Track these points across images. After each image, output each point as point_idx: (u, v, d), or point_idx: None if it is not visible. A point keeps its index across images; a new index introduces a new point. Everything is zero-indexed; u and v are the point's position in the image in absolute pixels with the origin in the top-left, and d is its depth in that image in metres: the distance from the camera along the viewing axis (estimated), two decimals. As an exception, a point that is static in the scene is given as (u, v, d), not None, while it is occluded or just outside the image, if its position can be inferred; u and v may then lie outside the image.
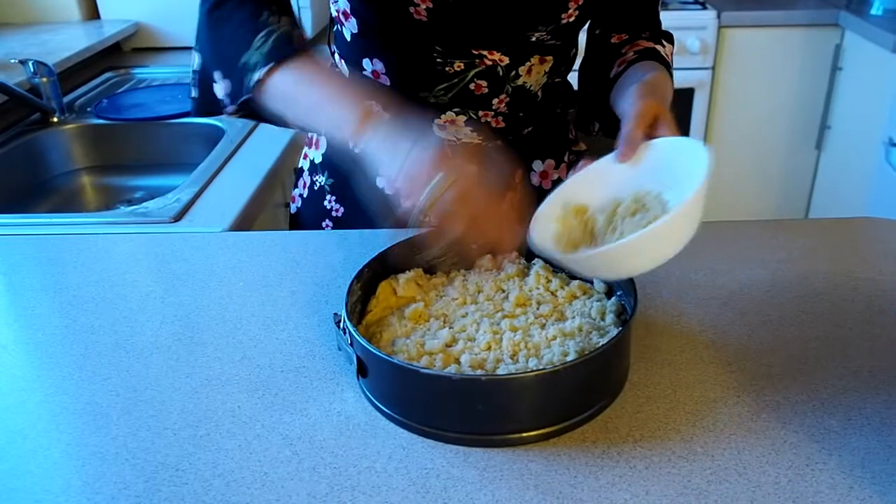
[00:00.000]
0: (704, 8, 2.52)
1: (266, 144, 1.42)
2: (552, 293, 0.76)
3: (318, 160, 1.01)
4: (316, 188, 1.02)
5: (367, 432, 0.64)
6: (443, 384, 0.61)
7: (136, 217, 1.14)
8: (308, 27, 1.96)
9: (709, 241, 0.93)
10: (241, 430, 0.65)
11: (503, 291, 0.76)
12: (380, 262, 0.77)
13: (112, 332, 0.79)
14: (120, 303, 0.84)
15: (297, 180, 1.07)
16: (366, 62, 0.90)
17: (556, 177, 1.00)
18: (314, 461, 0.61)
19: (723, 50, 2.54)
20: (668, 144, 0.71)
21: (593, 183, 0.74)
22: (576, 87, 1.03)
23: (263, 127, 1.47)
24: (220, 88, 0.78)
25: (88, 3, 2.15)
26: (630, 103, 0.75)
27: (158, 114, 1.63)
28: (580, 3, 0.84)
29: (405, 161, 0.66)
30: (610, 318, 0.71)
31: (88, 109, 1.69)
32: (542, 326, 0.71)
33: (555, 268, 0.78)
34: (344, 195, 0.99)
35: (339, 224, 1.01)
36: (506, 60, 0.88)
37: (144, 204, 1.18)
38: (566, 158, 1.02)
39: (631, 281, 0.70)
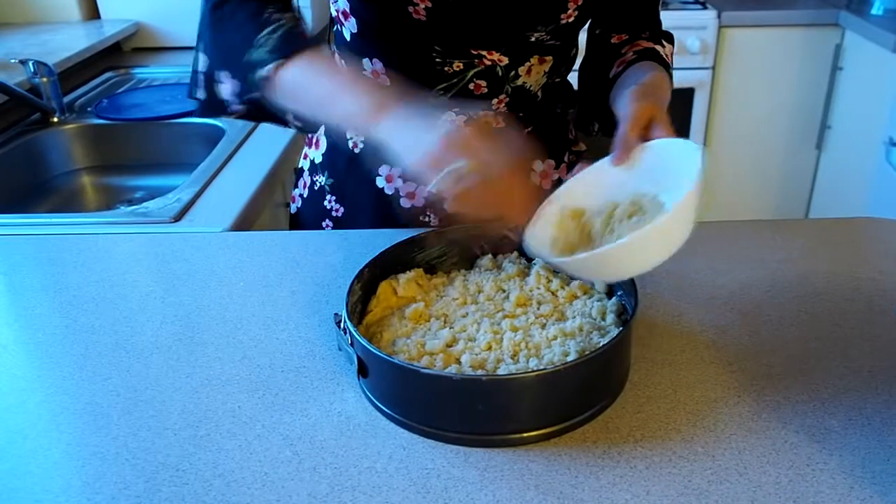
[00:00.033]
0: (705, 8, 2.52)
1: (266, 144, 1.42)
2: (553, 293, 0.76)
3: (318, 160, 1.01)
4: (316, 188, 1.02)
5: (368, 432, 0.64)
6: (443, 384, 0.61)
7: (137, 217, 1.14)
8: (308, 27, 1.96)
9: (709, 241, 0.94)
10: (242, 431, 0.65)
11: (504, 291, 0.76)
12: (380, 262, 0.77)
13: (112, 332, 0.79)
14: (120, 303, 0.84)
15: (298, 180, 1.07)
16: (365, 62, 0.90)
17: (556, 177, 1.00)
18: (315, 461, 0.61)
19: (723, 50, 2.54)
20: (663, 146, 0.71)
21: (590, 186, 0.74)
22: (576, 87, 1.03)
23: (263, 127, 1.47)
24: (227, 88, 0.78)
25: (88, 3, 2.15)
26: (625, 106, 0.75)
27: (159, 114, 1.63)
28: (579, 3, 0.84)
29: (424, 143, 0.65)
30: (610, 318, 0.71)
31: (89, 109, 1.69)
32: (543, 326, 0.71)
33: (555, 268, 0.78)
34: (344, 195, 0.99)
35: (339, 224, 1.01)
36: (505, 60, 0.88)
37: (145, 204, 1.18)
38: (566, 158, 1.02)
39: (631, 281, 0.70)
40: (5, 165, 1.49)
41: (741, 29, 2.51)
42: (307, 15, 1.98)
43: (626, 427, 0.64)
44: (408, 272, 0.78)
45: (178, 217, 1.14)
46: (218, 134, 1.49)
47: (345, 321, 0.67)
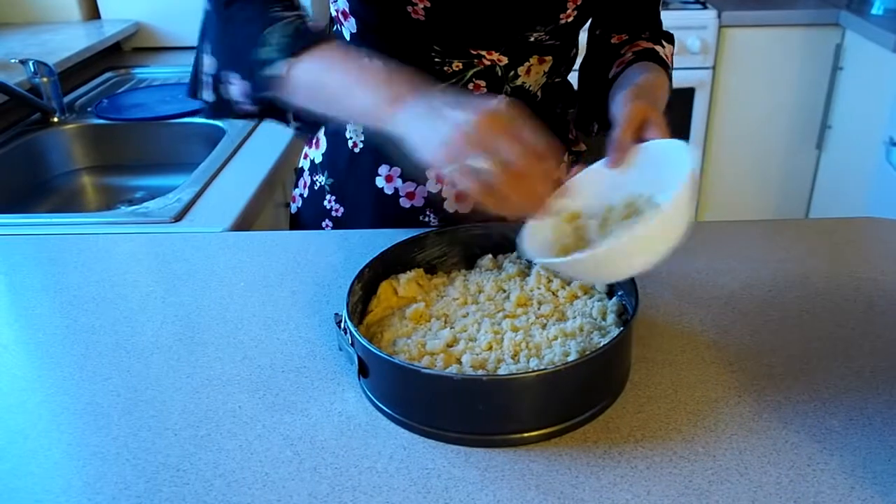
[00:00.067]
0: (705, 7, 2.52)
1: (267, 144, 1.42)
2: (553, 293, 0.76)
3: (318, 160, 1.01)
4: (316, 188, 1.02)
5: (368, 432, 0.64)
6: (444, 384, 0.61)
7: (137, 217, 1.14)
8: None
9: (710, 242, 0.94)
10: (242, 431, 0.65)
11: (504, 291, 0.76)
12: (381, 262, 0.77)
13: (113, 332, 0.79)
14: (121, 303, 0.84)
15: (298, 180, 1.07)
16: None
17: (555, 177, 1.00)
18: (315, 461, 0.61)
19: (723, 49, 2.54)
20: (657, 147, 0.71)
21: (585, 189, 0.73)
22: (576, 87, 1.03)
23: (264, 127, 1.48)
24: (236, 89, 0.77)
25: (89, 3, 2.15)
26: (619, 107, 0.75)
27: (159, 114, 1.63)
28: (578, 3, 0.84)
29: (440, 136, 0.63)
30: (611, 318, 0.71)
31: (89, 109, 1.69)
32: (544, 326, 0.70)
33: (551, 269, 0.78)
34: (344, 195, 0.99)
35: (338, 224, 1.01)
36: (504, 60, 0.88)
37: (145, 204, 1.18)
38: (566, 159, 1.02)
39: (632, 281, 0.70)
40: (5, 165, 1.49)
41: (741, 29, 2.51)
42: (307, 15, 1.98)
43: (627, 427, 0.64)
44: (408, 272, 0.78)
45: (179, 217, 1.14)
46: (218, 134, 1.49)
47: (345, 321, 0.67)
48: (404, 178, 0.95)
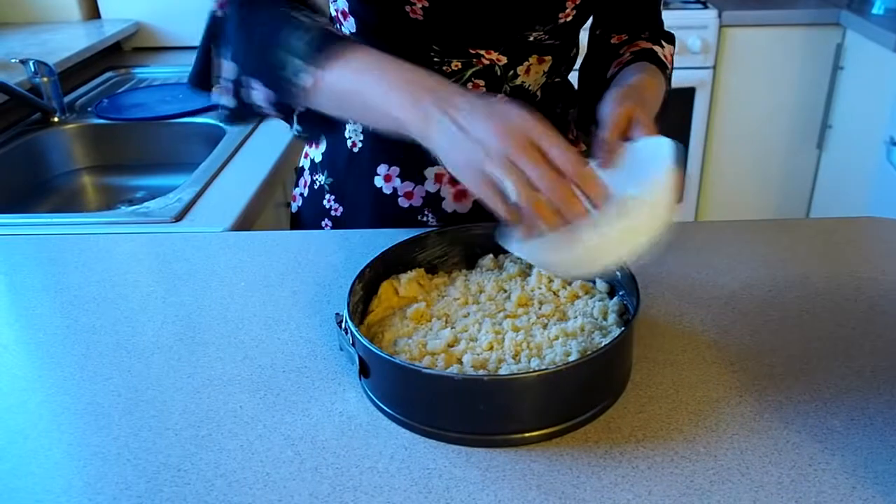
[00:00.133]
0: (705, 7, 2.52)
1: (267, 144, 1.42)
2: (554, 293, 0.76)
3: (318, 159, 1.01)
4: (316, 187, 1.02)
5: (370, 432, 0.64)
6: (445, 384, 0.61)
7: (137, 217, 1.14)
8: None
9: (710, 241, 0.94)
10: (243, 431, 0.65)
11: (505, 291, 0.76)
12: (381, 262, 0.77)
13: (113, 332, 0.79)
14: (121, 303, 0.84)
15: (298, 179, 1.07)
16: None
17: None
18: (316, 461, 0.61)
19: (724, 49, 2.54)
20: (642, 146, 0.71)
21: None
22: (576, 86, 1.03)
23: (264, 126, 1.48)
24: (260, 95, 0.76)
25: (89, 3, 2.15)
26: (606, 108, 0.74)
27: (159, 113, 1.63)
28: (577, 2, 0.84)
29: (471, 161, 0.62)
30: (612, 317, 0.71)
31: (89, 109, 1.69)
32: (545, 326, 0.70)
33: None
34: (343, 195, 0.99)
35: (338, 224, 1.01)
36: (503, 60, 0.88)
37: (145, 204, 1.18)
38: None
39: (633, 280, 0.70)
40: (6, 165, 1.49)
41: (742, 28, 2.51)
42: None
43: (628, 427, 0.64)
44: (409, 272, 0.78)
45: (179, 217, 1.14)
46: (219, 133, 1.49)
47: (346, 321, 0.67)
48: (403, 177, 0.95)
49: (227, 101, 0.80)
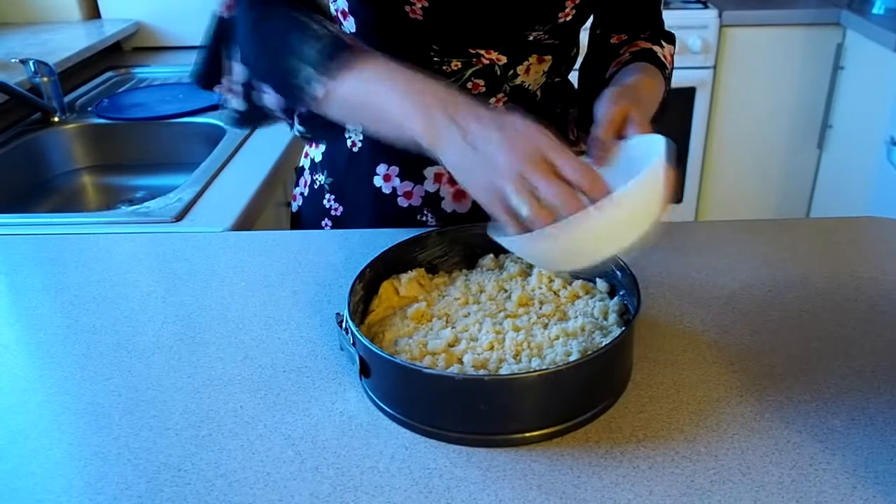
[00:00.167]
0: (706, 7, 2.52)
1: (267, 144, 1.42)
2: (555, 293, 0.76)
3: (318, 159, 1.01)
4: (316, 187, 1.02)
5: (370, 432, 0.64)
6: (445, 384, 0.61)
7: (138, 217, 1.14)
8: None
9: (710, 241, 0.94)
10: (244, 431, 0.65)
11: (505, 291, 0.76)
12: (382, 262, 0.77)
13: (114, 332, 0.79)
14: (121, 303, 0.84)
15: (299, 179, 1.07)
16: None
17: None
18: (317, 461, 0.61)
19: (724, 49, 2.54)
20: (636, 143, 0.71)
21: None
22: (576, 86, 1.03)
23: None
24: (271, 99, 0.76)
25: (89, 3, 2.15)
26: (601, 106, 0.74)
27: (159, 113, 1.63)
28: (577, 2, 0.84)
29: (483, 179, 0.62)
30: (613, 317, 0.71)
31: (89, 109, 1.69)
32: (545, 326, 0.70)
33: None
34: (343, 194, 0.99)
35: (337, 223, 1.01)
36: (503, 60, 0.88)
37: (146, 204, 1.18)
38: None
39: (634, 280, 0.70)
40: (6, 165, 1.49)
41: (742, 28, 2.51)
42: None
43: (629, 427, 0.64)
44: (410, 272, 0.78)
45: (180, 217, 1.14)
46: (219, 133, 1.49)
47: (347, 321, 0.67)
48: (402, 177, 0.95)
49: (237, 103, 0.80)
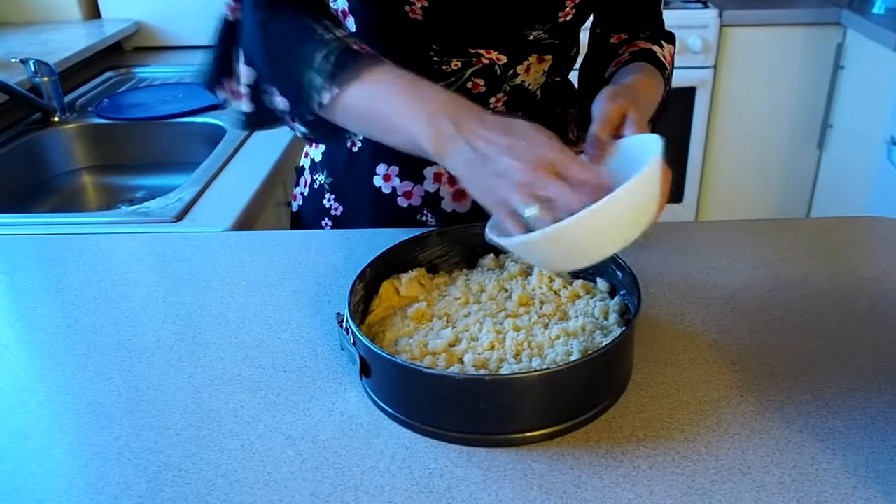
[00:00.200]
0: (706, 7, 2.52)
1: (267, 143, 1.42)
2: (555, 292, 0.76)
3: (318, 158, 1.01)
4: (316, 186, 1.02)
5: (371, 432, 0.64)
6: (446, 384, 0.61)
7: (138, 217, 1.14)
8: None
9: (711, 241, 0.93)
10: (244, 430, 0.65)
11: (506, 291, 0.76)
12: (382, 262, 0.77)
13: (114, 331, 0.79)
14: (122, 302, 0.84)
15: (299, 178, 1.07)
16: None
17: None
18: (317, 461, 0.61)
19: (724, 49, 2.54)
20: (631, 143, 0.70)
21: None
22: (577, 86, 1.03)
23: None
24: (280, 101, 0.76)
25: (89, 3, 2.15)
26: (598, 105, 0.74)
27: (160, 113, 1.63)
28: (577, 1, 0.84)
29: (491, 187, 0.62)
30: (613, 317, 0.71)
31: (89, 109, 1.69)
32: (546, 326, 0.70)
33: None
34: (343, 194, 0.99)
35: (337, 223, 1.01)
36: (503, 59, 0.88)
37: (146, 203, 1.18)
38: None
39: (634, 280, 0.70)
40: (6, 165, 1.49)
41: (743, 28, 2.51)
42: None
43: (629, 427, 0.64)
44: (410, 272, 0.78)
45: (180, 217, 1.14)
46: (219, 133, 1.49)
47: (347, 321, 0.67)
48: (402, 177, 0.95)
49: (246, 106, 0.80)
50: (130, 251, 0.97)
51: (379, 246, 0.79)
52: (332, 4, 0.91)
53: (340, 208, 1.00)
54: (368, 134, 0.73)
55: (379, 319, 0.75)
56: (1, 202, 1.43)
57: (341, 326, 0.69)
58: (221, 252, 0.95)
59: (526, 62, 0.89)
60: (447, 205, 0.96)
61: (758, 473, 0.59)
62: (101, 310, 0.83)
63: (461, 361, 0.66)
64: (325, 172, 1.00)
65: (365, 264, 0.75)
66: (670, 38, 0.95)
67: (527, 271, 0.78)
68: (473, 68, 0.88)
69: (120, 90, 1.81)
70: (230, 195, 1.21)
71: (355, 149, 0.96)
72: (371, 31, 0.88)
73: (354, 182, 0.97)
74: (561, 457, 0.61)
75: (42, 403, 0.69)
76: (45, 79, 1.59)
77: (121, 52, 2.10)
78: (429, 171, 0.94)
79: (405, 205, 0.96)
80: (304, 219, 1.05)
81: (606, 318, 0.71)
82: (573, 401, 0.63)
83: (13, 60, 1.63)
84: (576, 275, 0.78)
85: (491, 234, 0.66)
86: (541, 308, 0.73)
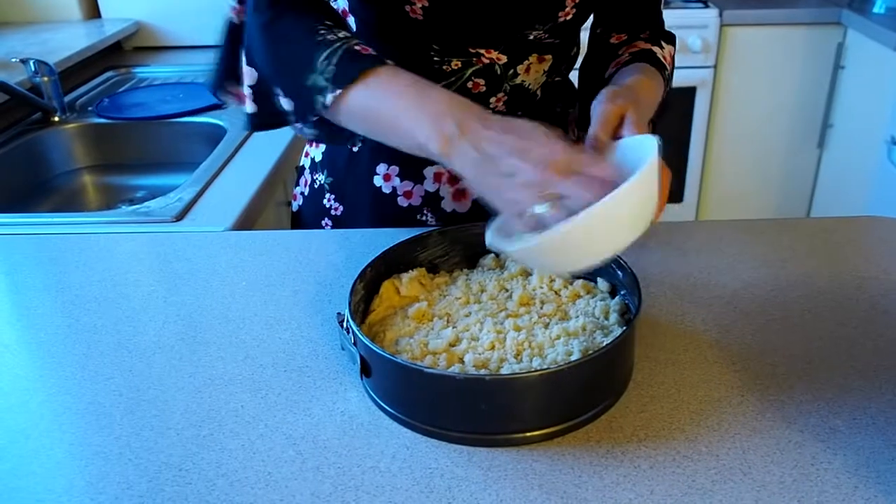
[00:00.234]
0: (706, 6, 2.52)
1: (268, 143, 1.42)
2: (556, 292, 0.76)
3: (318, 158, 1.01)
4: (316, 186, 1.02)
5: (371, 432, 0.64)
6: (446, 384, 0.61)
7: (138, 216, 1.14)
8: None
9: (711, 241, 0.93)
10: (245, 430, 0.65)
11: (506, 290, 0.76)
12: (383, 262, 0.77)
13: (115, 331, 0.79)
14: (122, 302, 0.84)
15: (299, 178, 1.07)
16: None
17: None
18: (318, 461, 0.61)
19: (725, 48, 2.54)
20: (629, 143, 0.70)
21: None
22: (577, 85, 1.03)
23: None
24: (286, 103, 0.76)
25: (89, 2, 2.15)
26: (597, 106, 0.74)
27: (160, 113, 1.63)
28: (577, 1, 0.84)
29: (499, 188, 0.62)
30: (613, 317, 0.71)
31: (90, 108, 1.69)
32: (546, 326, 0.70)
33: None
34: (343, 194, 0.99)
35: (338, 223, 1.01)
36: (503, 59, 0.88)
37: (146, 203, 1.18)
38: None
39: (635, 280, 0.70)
40: (6, 165, 1.49)
41: (743, 27, 2.51)
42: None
43: (630, 426, 0.64)
44: (410, 271, 0.78)
45: (180, 216, 1.14)
46: (219, 133, 1.49)
47: (348, 320, 0.67)
48: (402, 176, 0.95)
49: (249, 107, 0.80)
50: (131, 251, 0.97)
51: (379, 246, 0.79)
52: (332, 4, 0.91)
53: (341, 208, 1.00)
54: (372, 135, 0.73)
55: (379, 319, 0.75)
56: (1, 202, 1.43)
57: (342, 326, 0.69)
58: (222, 252, 0.95)
59: (526, 62, 0.89)
60: (447, 204, 0.96)
61: (759, 473, 0.59)
62: (102, 309, 0.83)
63: (462, 361, 0.66)
64: (325, 172, 1.00)
65: (365, 264, 0.75)
66: (670, 39, 0.95)
67: (527, 271, 0.78)
68: (473, 68, 0.88)
69: (120, 90, 1.81)
70: (230, 195, 1.21)
71: (355, 149, 0.96)
72: (371, 31, 0.88)
73: (355, 182, 0.97)
74: (562, 456, 0.61)
75: (42, 403, 0.69)
76: (46, 78, 1.59)
77: (121, 52, 2.10)
78: (429, 171, 0.94)
79: (405, 205, 0.96)
80: (305, 218, 1.05)
81: (607, 318, 0.71)
82: (574, 401, 0.63)
83: (13, 60, 1.63)
84: (576, 275, 0.78)
85: (491, 240, 0.66)
86: (541, 308, 0.73)
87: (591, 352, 0.63)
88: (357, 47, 0.72)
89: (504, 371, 0.64)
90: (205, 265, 0.91)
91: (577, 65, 1.00)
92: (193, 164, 1.35)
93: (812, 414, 0.65)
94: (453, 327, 0.71)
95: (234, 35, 0.81)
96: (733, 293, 0.82)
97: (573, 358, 0.64)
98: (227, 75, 0.82)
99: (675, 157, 2.63)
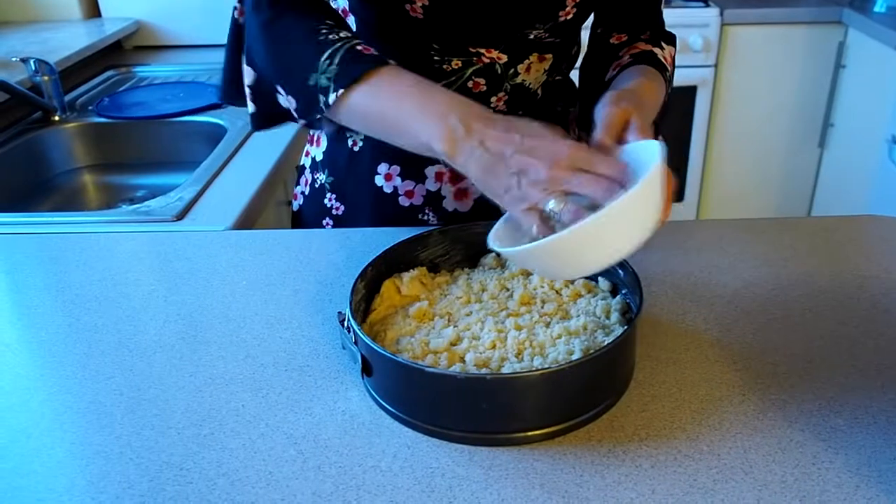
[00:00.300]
0: (707, 5, 2.52)
1: (268, 142, 1.42)
2: (557, 291, 0.76)
3: (318, 157, 1.01)
4: (317, 186, 1.02)
5: (372, 431, 0.64)
6: (447, 383, 0.61)
7: (139, 216, 1.14)
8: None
9: (712, 240, 0.93)
10: (246, 429, 0.65)
11: (507, 290, 0.76)
12: (383, 261, 0.77)
13: (115, 330, 0.79)
14: (123, 302, 0.84)
15: (300, 178, 1.07)
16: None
17: None
18: (319, 460, 0.61)
19: (726, 47, 2.54)
20: (634, 149, 0.70)
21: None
22: (577, 85, 1.03)
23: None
24: (288, 102, 0.76)
25: (89, 2, 2.15)
26: (601, 110, 0.74)
27: (160, 112, 1.63)
28: (578, 0, 0.84)
29: (505, 185, 0.62)
30: (615, 316, 0.71)
31: (90, 108, 1.69)
32: (547, 325, 0.70)
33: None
34: (344, 193, 0.99)
35: (338, 222, 1.01)
36: (504, 58, 0.88)
37: (146, 203, 1.18)
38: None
39: (636, 279, 0.70)
40: (7, 164, 1.49)
41: (744, 27, 2.51)
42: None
43: (631, 426, 0.64)
44: (411, 270, 0.78)
45: (181, 216, 1.14)
46: (220, 132, 1.49)
47: (348, 320, 0.67)
48: (403, 176, 0.95)
49: (250, 106, 0.80)
50: (131, 250, 0.97)
51: (380, 245, 0.79)
52: (332, 3, 0.91)
53: (341, 208, 1.00)
54: (374, 134, 0.74)
55: (380, 318, 0.75)
56: (1, 201, 1.43)
57: (343, 325, 0.69)
58: (222, 251, 0.95)
59: (527, 61, 0.89)
60: (448, 204, 0.96)
61: (760, 472, 0.59)
62: (103, 309, 0.83)
63: (463, 360, 0.66)
64: (326, 172, 1.00)
65: (366, 263, 0.74)
66: (671, 40, 0.94)
67: (528, 270, 0.78)
68: (474, 67, 0.88)
69: (120, 89, 1.81)
70: (231, 194, 1.21)
71: (356, 148, 0.96)
72: (371, 31, 0.88)
73: (355, 181, 0.97)
74: (563, 456, 0.61)
75: (43, 402, 0.69)
76: (46, 78, 1.59)
77: (121, 51, 2.10)
78: (430, 171, 0.94)
79: (406, 204, 0.96)
80: (305, 218, 1.05)
81: (608, 317, 0.71)
82: (575, 400, 0.63)
83: (14, 59, 1.63)
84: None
85: (493, 244, 0.66)
86: (542, 307, 0.73)
87: (592, 351, 0.63)
88: (359, 47, 0.72)
89: (505, 370, 0.64)
90: (205, 264, 0.91)
91: (578, 64, 1.00)
92: (194, 163, 1.35)
93: (813, 413, 0.64)
94: (454, 326, 0.71)
95: (239, 36, 0.81)
96: (734, 292, 0.82)
97: (574, 357, 0.64)
98: (234, 79, 0.82)
99: (675, 157, 2.62)
